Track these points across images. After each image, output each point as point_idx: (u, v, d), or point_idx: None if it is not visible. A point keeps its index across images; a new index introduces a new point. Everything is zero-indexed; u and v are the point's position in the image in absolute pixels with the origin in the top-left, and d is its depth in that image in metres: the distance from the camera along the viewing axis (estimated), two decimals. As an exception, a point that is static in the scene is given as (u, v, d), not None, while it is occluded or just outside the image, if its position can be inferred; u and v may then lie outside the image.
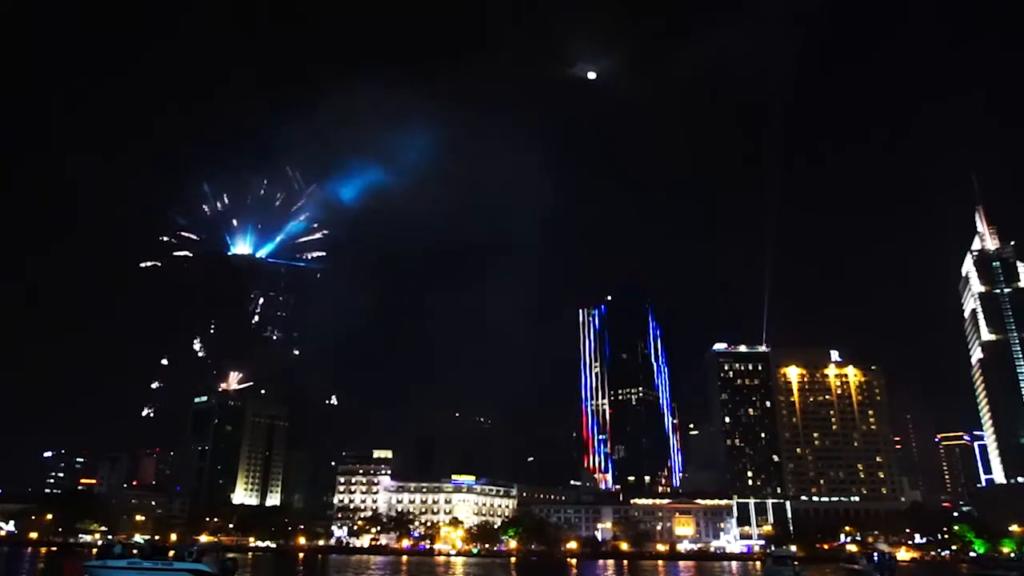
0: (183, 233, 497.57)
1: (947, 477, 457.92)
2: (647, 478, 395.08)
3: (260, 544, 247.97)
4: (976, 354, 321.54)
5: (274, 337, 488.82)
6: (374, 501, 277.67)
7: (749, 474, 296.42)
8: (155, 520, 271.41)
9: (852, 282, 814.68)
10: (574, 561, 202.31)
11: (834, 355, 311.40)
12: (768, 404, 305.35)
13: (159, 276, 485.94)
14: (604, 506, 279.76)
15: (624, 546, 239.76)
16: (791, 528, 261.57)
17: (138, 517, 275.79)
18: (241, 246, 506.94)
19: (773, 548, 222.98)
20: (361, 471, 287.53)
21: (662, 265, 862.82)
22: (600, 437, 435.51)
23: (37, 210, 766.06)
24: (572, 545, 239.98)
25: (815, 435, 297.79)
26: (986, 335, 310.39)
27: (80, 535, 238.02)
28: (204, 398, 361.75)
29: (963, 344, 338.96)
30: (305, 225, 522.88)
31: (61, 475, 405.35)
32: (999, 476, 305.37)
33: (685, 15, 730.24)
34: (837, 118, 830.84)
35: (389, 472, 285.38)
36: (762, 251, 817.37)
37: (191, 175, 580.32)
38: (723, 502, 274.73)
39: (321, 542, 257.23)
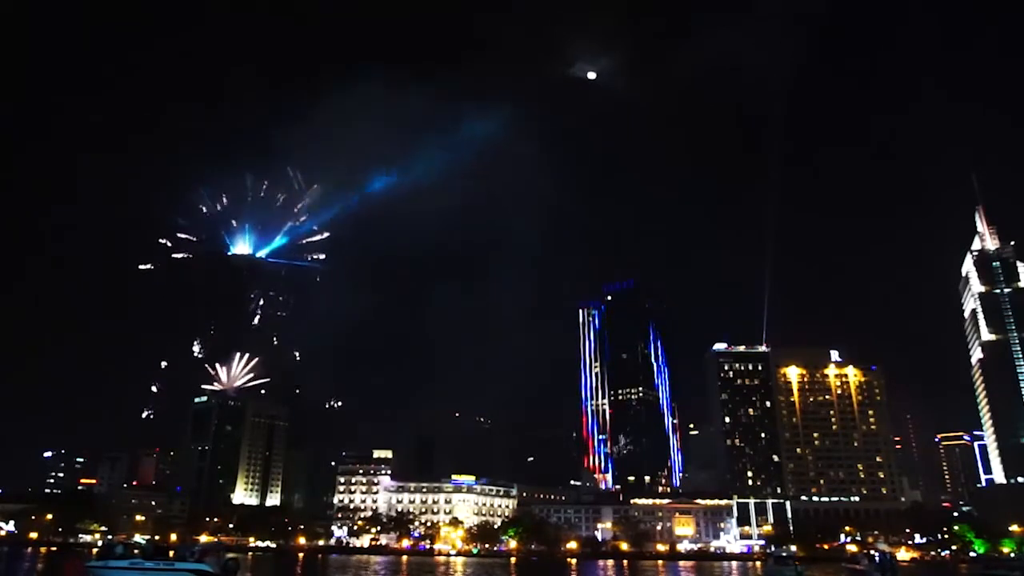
0: (183, 234, 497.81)
1: (947, 477, 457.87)
2: (647, 478, 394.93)
3: (260, 544, 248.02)
4: (976, 354, 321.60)
5: (274, 337, 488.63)
6: (374, 501, 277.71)
7: (749, 474, 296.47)
8: (155, 520, 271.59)
9: (852, 282, 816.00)
10: (574, 561, 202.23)
11: (834, 355, 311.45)
12: (768, 404, 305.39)
13: (159, 276, 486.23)
14: (604, 506, 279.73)
15: (624, 546, 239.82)
16: (791, 528, 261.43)
17: (138, 517, 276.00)
18: (241, 246, 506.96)
19: (773, 548, 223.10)
20: (361, 471, 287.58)
21: (662, 265, 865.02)
22: (600, 437, 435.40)
23: (37, 210, 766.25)
24: (572, 545, 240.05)
25: (815, 435, 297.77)
26: (986, 335, 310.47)
27: (80, 535, 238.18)
28: (204, 398, 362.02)
29: (963, 344, 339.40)
30: (305, 225, 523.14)
31: (61, 475, 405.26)
32: (999, 476, 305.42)
33: (685, 15, 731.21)
34: (837, 118, 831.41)
35: (389, 472, 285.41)
36: (762, 251, 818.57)
37: (191, 175, 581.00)
38: (723, 502, 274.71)
39: (321, 542, 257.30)
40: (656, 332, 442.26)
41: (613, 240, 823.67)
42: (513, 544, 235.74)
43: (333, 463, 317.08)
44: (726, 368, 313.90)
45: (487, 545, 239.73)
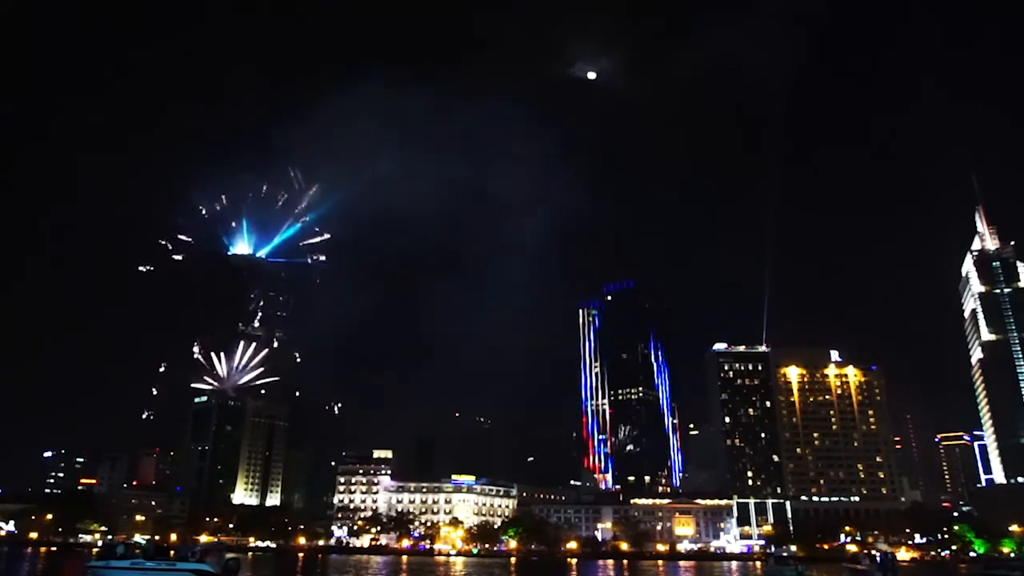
0: (183, 234, 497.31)
1: (947, 477, 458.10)
2: (647, 478, 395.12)
3: (260, 544, 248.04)
4: (976, 354, 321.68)
5: (274, 337, 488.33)
6: (374, 501, 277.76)
7: (749, 474, 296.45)
8: (155, 520, 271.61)
9: (852, 282, 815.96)
10: (574, 561, 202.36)
11: (834, 355, 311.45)
12: (768, 404, 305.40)
13: (159, 276, 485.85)
14: (604, 506, 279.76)
15: (624, 546, 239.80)
16: (791, 528, 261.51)
17: (138, 517, 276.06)
18: (241, 246, 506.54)
19: (773, 548, 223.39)
20: (361, 471, 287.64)
21: (662, 265, 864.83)
22: (600, 437, 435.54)
23: (37, 210, 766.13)
24: (572, 545, 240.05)
25: (815, 435, 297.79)
26: (986, 335, 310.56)
27: (80, 535, 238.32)
28: (204, 398, 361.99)
29: (963, 344, 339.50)
30: (305, 225, 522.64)
31: (61, 475, 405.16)
32: (999, 476, 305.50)
33: (685, 15, 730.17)
34: (837, 118, 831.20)
35: (389, 472, 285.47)
36: (762, 251, 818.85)
37: (191, 175, 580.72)
38: (723, 502, 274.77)
39: (321, 542, 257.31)
40: (656, 332, 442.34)
41: (613, 240, 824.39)
42: (513, 544, 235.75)
43: (333, 463, 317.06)
44: (726, 368, 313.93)
45: (487, 545, 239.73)
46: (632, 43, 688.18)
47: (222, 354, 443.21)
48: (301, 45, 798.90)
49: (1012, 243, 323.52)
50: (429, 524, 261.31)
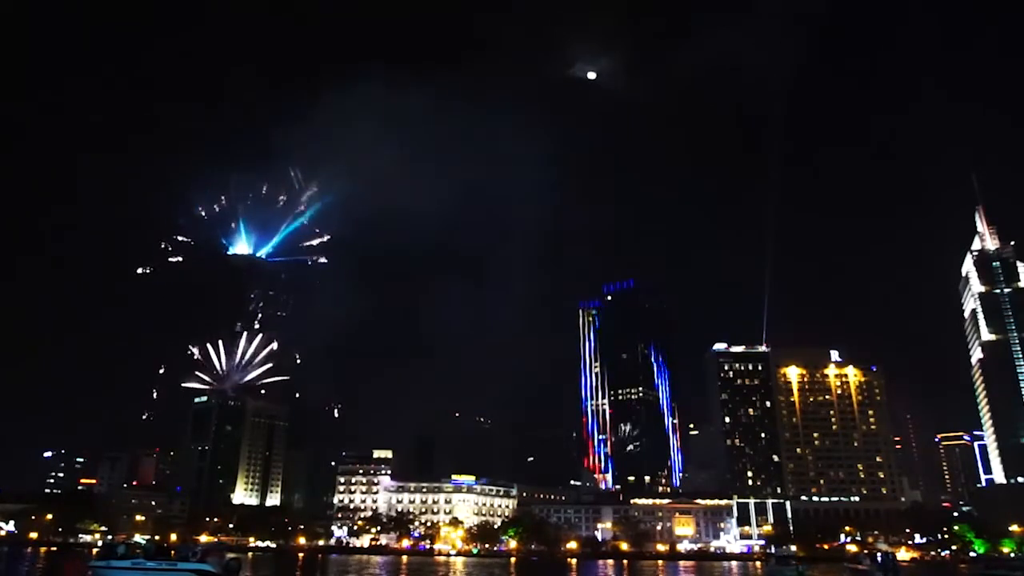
0: (182, 236, 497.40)
1: (947, 477, 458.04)
2: (647, 478, 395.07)
3: (260, 544, 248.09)
4: (976, 354, 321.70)
5: (274, 337, 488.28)
6: (374, 501, 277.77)
7: (749, 474, 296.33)
8: (155, 520, 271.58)
9: (852, 282, 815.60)
10: (574, 561, 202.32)
11: (834, 355, 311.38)
12: (768, 404, 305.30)
13: (159, 276, 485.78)
14: (604, 506, 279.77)
15: (624, 546, 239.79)
16: (791, 528, 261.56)
17: (138, 517, 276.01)
18: (241, 246, 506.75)
19: (773, 548, 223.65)
20: (361, 471, 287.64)
21: (662, 265, 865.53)
22: (600, 437, 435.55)
23: (37, 210, 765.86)
24: (572, 545, 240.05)
25: (815, 435, 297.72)
26: (986, 335, 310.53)
27: (80, 535, 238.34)
28: (204, 398, 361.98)
29: (963, 344, 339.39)
30: (306, 225, 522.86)
31: (61, 475, 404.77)
32: (999, 476, 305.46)
33: (685, 15, 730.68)
34: (837, 118, 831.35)
35: (389, 472, 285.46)
36: (762, 251, 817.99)
37: (191, 175, 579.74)
38: (723, 502, 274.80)
39: (321, 542, 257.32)
40: (656, 332, 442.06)
41: (613, 240, 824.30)
42: (513, 544, 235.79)
43: (333, 463, 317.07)
44: (726, 368, 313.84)
45: (487, 545, 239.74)
46: (632, 43, 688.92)
47: (222, 354, 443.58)
48: (301, 45, 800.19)
49: (1012, 243, 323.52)
50: (429, 524, 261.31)
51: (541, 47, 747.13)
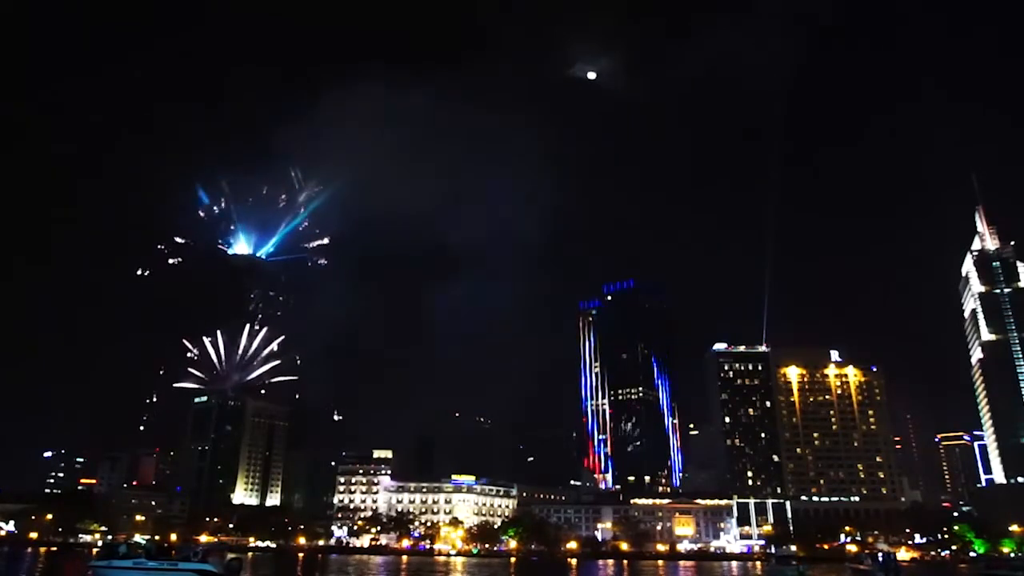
0: (182, 236, 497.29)
1: (947, 477, 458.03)
2: (647, 478, 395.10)
3: (260, 544, 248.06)
4: (976, 354, 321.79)
5: (274, 337, 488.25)
6: (374, 501, 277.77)
7: (749, 474, 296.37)
8: (155, 520, 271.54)
9: (852, 282, 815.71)
10: (574, 561, 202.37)
11: (834, 355, 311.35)
12: (768, 404, 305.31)
13: (159, 276, 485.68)
14: (604, 506, 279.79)
15: (624, 546, 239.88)
16: (791, 528, 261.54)
17: (138, 517, 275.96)
18: (241, 246, 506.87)
19: (773, 548, 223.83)
20: (361, 471, 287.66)
21: (662, 265, 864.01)
22: (600, 437, 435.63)
23: (37, 210, 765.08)
24: (572, 545, 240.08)
25: (815, 435, 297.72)
26: (986, 335, 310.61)
27: (80, 535, 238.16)
28: (204, 398, 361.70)
29: (963, 344, 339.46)
30: (306, 225, 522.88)
31: (61, 475, 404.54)
32: (999, 476, 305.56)
33: (685, 15, 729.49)
34: (837, 118, 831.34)
35: (389, 472, 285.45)
36: (762, 251, 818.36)
37: (191, 175, 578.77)
38: (723, 502, 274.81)
39: (321, 542, 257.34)
40: (656, 332, 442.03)
41: (613, 240, 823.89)
42: (513, 544, 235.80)
43: (333, 463, 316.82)
44: (726, 368, 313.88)
45: (487, 545, 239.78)
46: (632, 43, 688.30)
47: (222, 354, 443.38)
48: (301, 45, 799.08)
49: (1012, 243, 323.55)
50: (429, 524, 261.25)
51: (541, 47, 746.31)
